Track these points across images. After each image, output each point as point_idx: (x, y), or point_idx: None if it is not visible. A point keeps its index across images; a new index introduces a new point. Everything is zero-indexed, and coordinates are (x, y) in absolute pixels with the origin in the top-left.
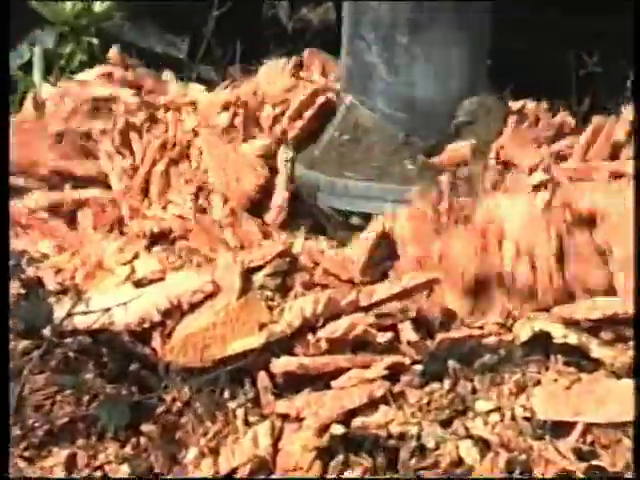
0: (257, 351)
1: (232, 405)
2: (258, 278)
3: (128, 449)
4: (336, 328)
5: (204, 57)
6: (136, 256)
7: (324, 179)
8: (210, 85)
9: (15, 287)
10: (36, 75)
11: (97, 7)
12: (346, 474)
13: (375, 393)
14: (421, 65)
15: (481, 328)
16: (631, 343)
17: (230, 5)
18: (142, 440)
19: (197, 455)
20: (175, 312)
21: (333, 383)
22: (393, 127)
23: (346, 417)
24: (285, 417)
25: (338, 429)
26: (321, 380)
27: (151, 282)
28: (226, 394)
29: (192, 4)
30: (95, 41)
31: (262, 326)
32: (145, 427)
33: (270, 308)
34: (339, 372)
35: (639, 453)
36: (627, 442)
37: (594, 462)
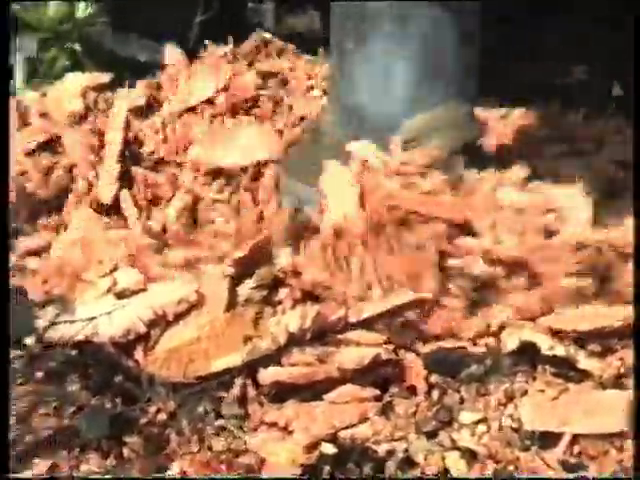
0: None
1: (217, 419)
2: (244, 291)
3: (111, 460)
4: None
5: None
6: (115, 268)
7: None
8: None
9: None
10: (18, 81)
11: (80, 13)
12: None
13: (367, 413)
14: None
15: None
16: (618, 354)
17: (214, 12)
18: (125, 451)
19: (180, 470)
20: (160, 323)
21: (325, 397)
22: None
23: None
24: (272, 426)
25: (329, 448)
26: (309, 390)
27: (133, 293)
28: (210, 407)
29: (176, 11)
30: (77, 47)
31: (247, 340)
32: (128, 438)
33: (256, 323)
34: (329, 382)
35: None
36: (614, 453)
37: (581, 473)
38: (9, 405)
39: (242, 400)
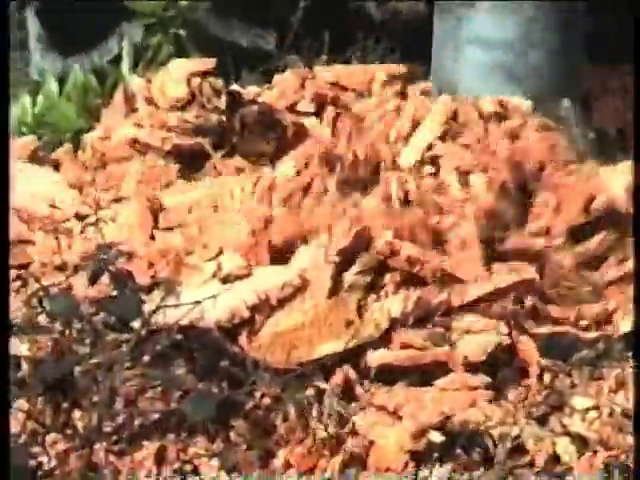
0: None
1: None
2: (348, 277)
3: (218, 444)
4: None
5: (291, 47)
6: (220, 252)
7: None
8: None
9: (104, 280)
10: (125, 67)
11: None
12: (436, 468)
13: (478, 402)
14: None
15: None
16: None
17: None
18: (232, 435)
19: (285, 455)
20: (264, 307)
21: (435, 383)
22: None
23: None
24: (381, 409)
25: (437, 437)
26: (415, 374)
27: (237, 278)
28: (314, 392)
29: None
30: (182, 32)
31: (349, 325)
32: (235, 422)
33: (359, 309)
34: (436, 365)
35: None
36: None
37: None
38: (9, 405)
39: (346, 385)
